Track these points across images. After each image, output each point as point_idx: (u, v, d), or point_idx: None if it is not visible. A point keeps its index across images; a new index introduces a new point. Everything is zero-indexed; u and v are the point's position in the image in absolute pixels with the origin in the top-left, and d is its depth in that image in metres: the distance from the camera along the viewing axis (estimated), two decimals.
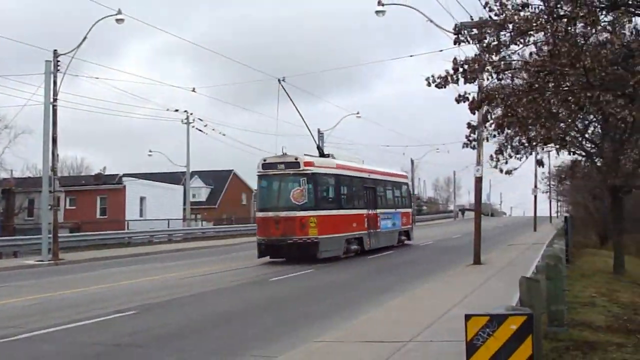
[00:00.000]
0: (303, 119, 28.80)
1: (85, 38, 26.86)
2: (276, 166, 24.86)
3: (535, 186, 57.18)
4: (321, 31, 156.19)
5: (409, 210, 36.97)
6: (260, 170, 25.30)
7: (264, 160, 25.39)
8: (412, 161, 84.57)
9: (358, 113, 50.82)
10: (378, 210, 30.14)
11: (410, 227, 36.09)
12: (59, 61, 27.47)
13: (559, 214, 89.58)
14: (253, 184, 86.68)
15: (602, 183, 25.63)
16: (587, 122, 22.08)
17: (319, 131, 55.33)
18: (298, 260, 23.64)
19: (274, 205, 24.85)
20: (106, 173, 60.70)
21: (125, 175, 53.42)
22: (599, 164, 22.74)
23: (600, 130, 23.06)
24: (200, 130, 49.14)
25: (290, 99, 28.15)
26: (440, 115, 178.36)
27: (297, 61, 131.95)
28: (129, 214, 46.86)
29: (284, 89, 28.34)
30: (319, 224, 24.03)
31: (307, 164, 24.62)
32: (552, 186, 69.69)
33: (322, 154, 28.23)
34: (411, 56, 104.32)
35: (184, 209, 53.47)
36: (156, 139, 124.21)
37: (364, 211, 28.48)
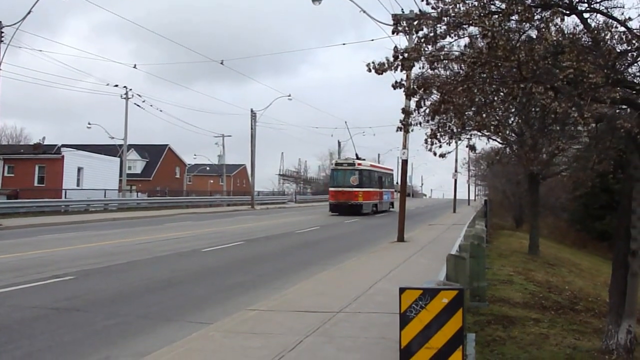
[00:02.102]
0: (356, 151, 51.88)
1: (30, 11, 27.10)
2: (342, 164, 45.41)
3: (456, 170, 59.15)
4: (255, 16, 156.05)
5: (393, 189, 57.53)
6: (333, 166, 47.36)
7: (336, 161, 48.87)
8: (339, 143, 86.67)
9: (289, 95, 55.56)
10: (383, 189, 49.74)
11: (393, 200, 53.84)
12: (2, 32, 27.50)
13: (477, 197, 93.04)
14: (187, 158, 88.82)
15: (523, 169, 26.88)
16: (509, 112, 23.04)
17: (252, 111, 56.35)
18: (351, 214, 41.39)
19: (341, 184, 43.63)
20: (45, 143, 60.05)
21: (64, 145, 53.48)
22: (518, 152, 23.79)
23: (520, 120, 24.10)
24: (138, 106, 51.22)
25: (351, 138, 53.83)
26: (365, 100, 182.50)
27: (232, 44, 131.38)
28: (66, 183, 47.20)
29: (348, 129, 75.01)
30: (362, 195, 43.34)
31: (358, 164, 44.81)
32: (471, 171, 72.37)
33: (358, 158, 47.83)
34: (344, 44, 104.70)
35: (120, 180, 54.56)
36: (95, 112, 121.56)
37: (378, 189, 47.65)
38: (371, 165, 48.62)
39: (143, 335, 8.53)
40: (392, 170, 60.82)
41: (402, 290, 5.28)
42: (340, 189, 43.39)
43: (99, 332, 8.67)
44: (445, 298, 5.21)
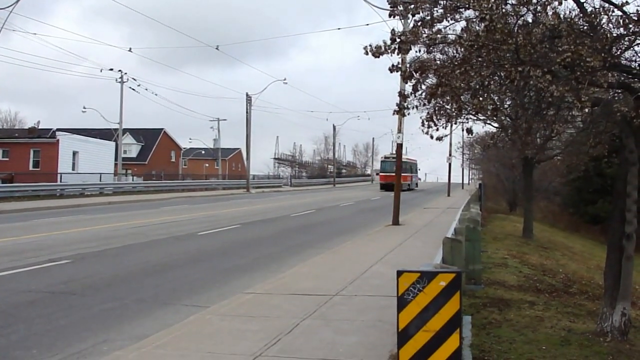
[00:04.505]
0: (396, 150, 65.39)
1: None
2: (389, 157, 64.69)
3: (450, 154, 59.41)
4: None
5: (417, 174, 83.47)
6: (383, 158, 70.84)
7: (385, 155, 71.28)
8: (334, 127, 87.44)
9: (285, 79, 55.68)
10: (412, 174, 71.66)
11: (417, 181, 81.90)
12: None
13: (471, 181, 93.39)
14: (182, 142, 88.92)
15: (518, 153, 26.91)
16: (505, 95, 22.99)
17: (247, 95, 56.49)
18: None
19: (388, 170, 60.97)
20: (40, 127, 59.70)
21: (59, 129, 53.35)
22: (513, 136, 23.76)
23: (517, 104, 24.04)
24: (133, 90, 51.56)
25: (396, 140, 63.92)
26: (358, 85, 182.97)
27: (224, 28, 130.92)
28: (61, 167, 47.11)
29: (392, 134, 72.53)
30: (402, 178, 51.90)
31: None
32: (465, 155, 72.62)
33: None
34: (339, 29, 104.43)
35: (116, 164, 54.70)
36: (90, 96, 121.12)
37: (410, 174, 67.68)
38: (407, 158, 68.22)
39: (140, 319, 8.54)
40: (416, 160, 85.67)
41: (399, 273, 5.23)
42: (388, 173, 62.51)
43: (96, 315, 8.68)
44: (442, 281, 5.16)
